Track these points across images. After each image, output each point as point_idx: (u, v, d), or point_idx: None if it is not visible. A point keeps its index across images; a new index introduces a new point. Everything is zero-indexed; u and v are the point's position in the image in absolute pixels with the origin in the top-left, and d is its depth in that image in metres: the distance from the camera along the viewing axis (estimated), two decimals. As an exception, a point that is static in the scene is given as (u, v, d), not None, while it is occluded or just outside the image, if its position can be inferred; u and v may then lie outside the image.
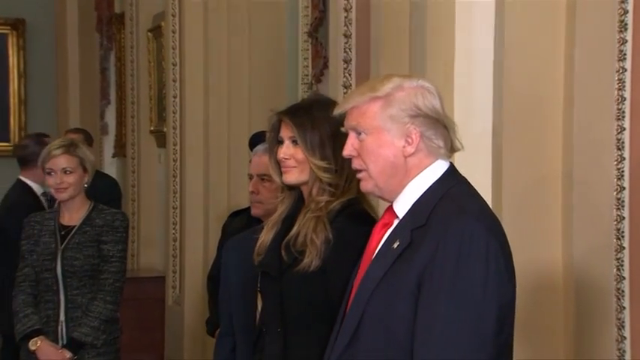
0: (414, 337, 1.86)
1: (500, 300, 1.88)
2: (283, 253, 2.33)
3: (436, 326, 1.83)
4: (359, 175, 2.05)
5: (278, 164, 2.41)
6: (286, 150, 2.37)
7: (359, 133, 2.01)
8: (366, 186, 2.04)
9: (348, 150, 2.04)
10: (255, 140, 3.26)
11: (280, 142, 2.40)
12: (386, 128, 1.98)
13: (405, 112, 1.97)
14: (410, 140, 1.97)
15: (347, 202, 2.33)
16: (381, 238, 2.04)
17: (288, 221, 2.40)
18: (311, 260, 2.27)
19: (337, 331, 2.06)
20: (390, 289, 1.91)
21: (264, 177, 2.91)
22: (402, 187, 2.00)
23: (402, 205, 2.00)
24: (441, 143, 2.00)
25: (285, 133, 2.39)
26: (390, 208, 2.04)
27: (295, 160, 2.36)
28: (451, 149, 2.02)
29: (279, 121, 2.41)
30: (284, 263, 2.33)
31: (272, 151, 2.43)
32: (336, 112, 2.09)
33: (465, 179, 2.04)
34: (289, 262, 2.32)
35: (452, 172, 2.02)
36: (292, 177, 2.37)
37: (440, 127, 1.99)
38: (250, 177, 3.01)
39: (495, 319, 1.87)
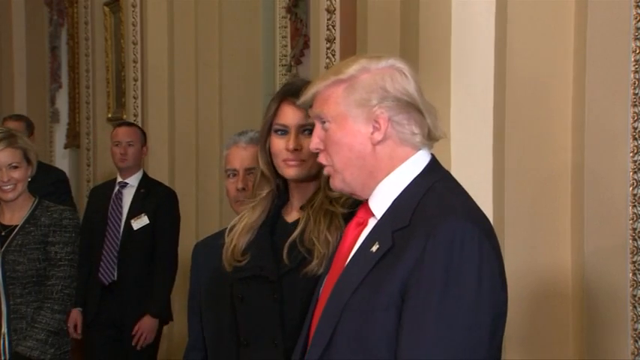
0: (398, 352, 1.85)
1: (494, 309, 1.89)
2: (285, 254, 2.30)
3: (425, 340, 1.83)
4: (326, 171, 2.05)
5: (269, 156, 2.38)
6: (297, 140, 2.32)
7: (323, 122, 2.02)
8: (333, 183, 2.04)
9: (314, 143, 2.04)
10: None
11: (281, 132, 2.35)
12: (351, 114, 1.98)
13: (370, 95, 1.97)
14: (377, 126, 1.97)
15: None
16: (355, 239, 2.03)
17: (269, 226, 2.38)
18: (320, 261, 2.24)
19: (303, 343, 2.06)
20: (368, 298, 1.90)
21: (252, 171, 2.89)
22: (375, 181, 2.00)
23: (380, 203, 2.00)
24: (416, 129, 1.99)
25: (293, 119, 2.34)
26: (365, 206, 2.04)
27: (307, 152, 2.30)
28: (429, 137, 2.02)
29: (278, 106, 2.37)
30: (284, 266, 2.31)
31: (265, 141, 2.39)
32: (300, 100, 2.09)
33: (449, 173, 2.04)
34: (292, 264, 2.30)
35: (434, 165, 2.03)
36: (301, 171, 2.33)
37: (413, 111, 1.99)
38: (231, 172, 2.97)
39: (489, 330, 1.87)
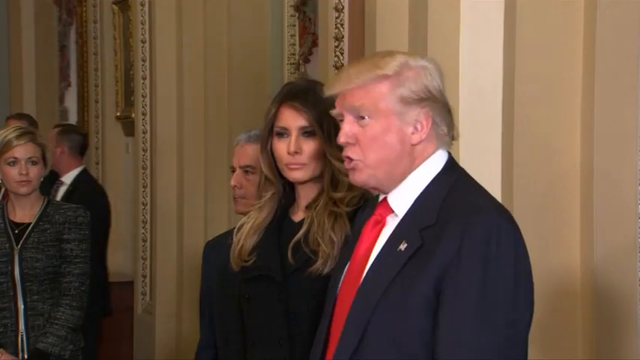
0: (435, 351, 1.84)
1: (529, 306, 1.89)
2: (290, 254, 2.31)
3: (465, 339, 1.82)
4: (350, 165, 2.00)
5: (272, 158, 2.38)
6: (297, 143, 2.32)
7: (361, 117, 1.97)
8: (359, 177, 1.99)
9: (345, 136, 1.99)
10: None
11: (280, 134, 2.35)
12: (395, 112, 1.95)
13: (415, 93, 1.95)
14: (419, 126, 1.96)
15: (361, 197, 2.30)
16: (374, 238, 2.01)
17: (276, 226, 2.38)
18: (325, 261, 2.25)
19: (322, 345, 2.04)
20: (399, 297, 1.88)
21: (248, 169, 2.90)
22: (402, 178, 1.98)
23: (401, 201, 1.98)
24: (446, 130, 1.99)
25: (293, 122, 2.33)
26: (383, 203, 2.02)
27: (308, 155, 2.32)
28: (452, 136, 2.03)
29: (278, 109, 2.36)
30: (289, 266, 2.32)
31: (266, 144, 2.38)
32: (331, 91, 2.03)
33: (465, 171, 2.04)
34: (297, 264, 2.30)
35: (452, 163, 2.02)
36: (304, 174, 2.33)
37: (445, 111, 1.99)
38: (233, 169, 3.00)
39: (526, 327, 1.88)
